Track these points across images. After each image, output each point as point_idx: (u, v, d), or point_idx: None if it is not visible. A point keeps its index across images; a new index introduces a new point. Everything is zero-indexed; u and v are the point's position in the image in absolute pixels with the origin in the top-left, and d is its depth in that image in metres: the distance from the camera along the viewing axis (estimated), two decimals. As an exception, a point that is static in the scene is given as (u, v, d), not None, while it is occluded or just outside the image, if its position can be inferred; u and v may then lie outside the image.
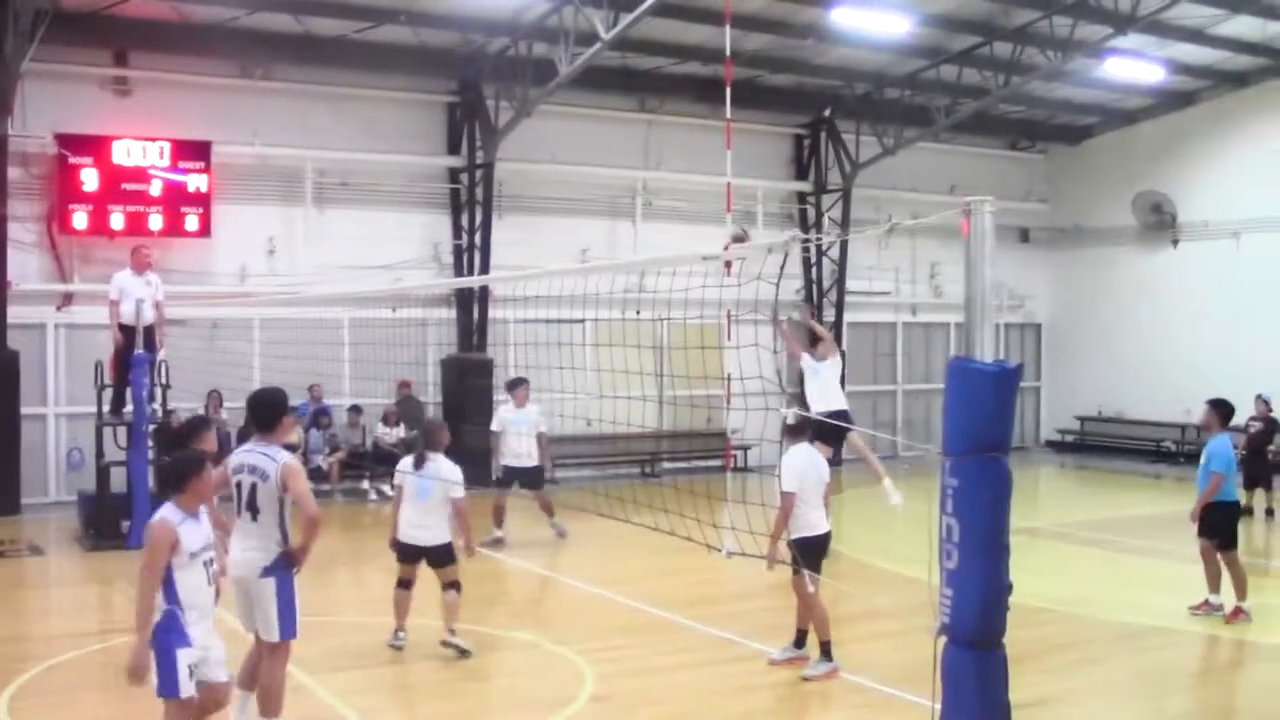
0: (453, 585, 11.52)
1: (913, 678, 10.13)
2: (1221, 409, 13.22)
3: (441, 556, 11.51)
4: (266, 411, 8.90)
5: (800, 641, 11.18)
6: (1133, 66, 25.49)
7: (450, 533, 11.58)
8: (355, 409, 22.60)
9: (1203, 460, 13.11)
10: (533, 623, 12.11)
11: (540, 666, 11.33)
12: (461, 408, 22.37)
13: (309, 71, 22.72)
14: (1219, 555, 13.05)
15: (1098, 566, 16.77)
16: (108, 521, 17.32)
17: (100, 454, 17.88)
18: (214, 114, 22.05)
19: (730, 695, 9.33)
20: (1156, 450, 28.90)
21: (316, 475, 20.69)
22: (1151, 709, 10.47)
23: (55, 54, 19.92)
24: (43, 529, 18.96)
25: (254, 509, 8.54)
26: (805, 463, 10.96)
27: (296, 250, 22.90)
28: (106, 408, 17.94)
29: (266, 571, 8.46)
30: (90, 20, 20.26)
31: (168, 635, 7.35)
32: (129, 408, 17.41)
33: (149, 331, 17.43)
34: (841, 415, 14.22)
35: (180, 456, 8.10)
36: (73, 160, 20.94)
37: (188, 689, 7.43)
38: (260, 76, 22.64)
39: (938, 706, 5.88)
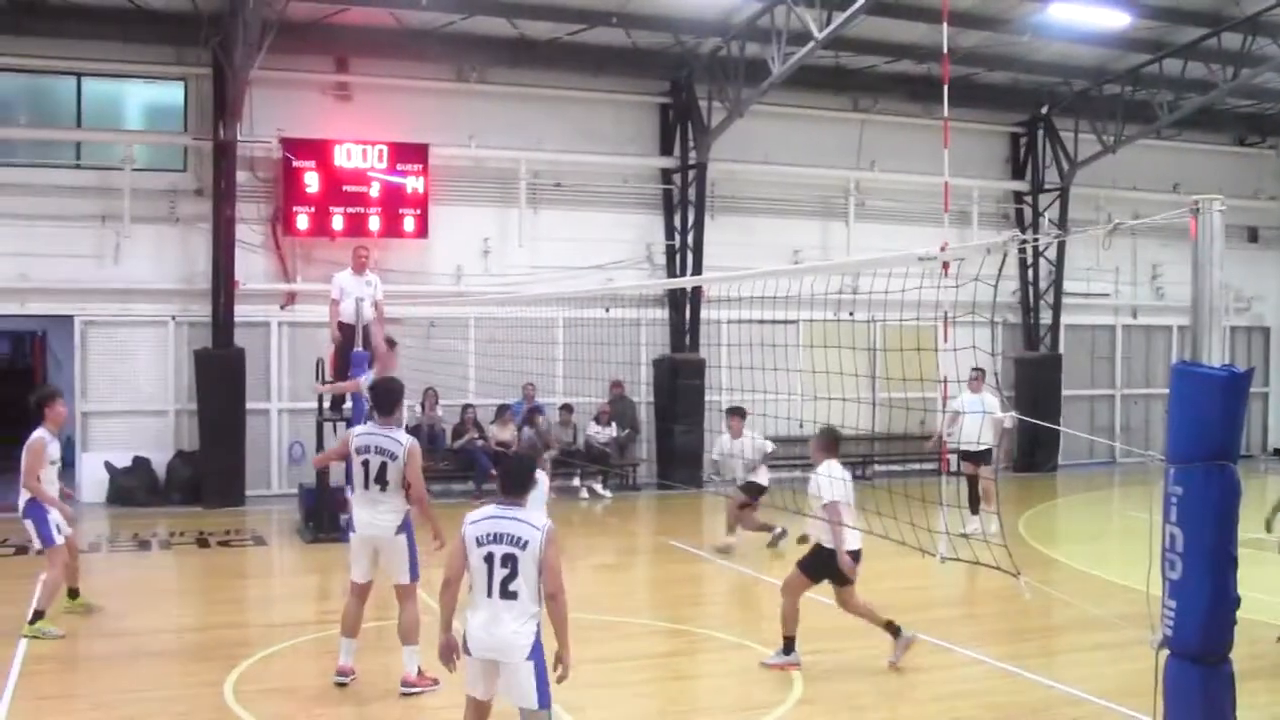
0: None
1: (1130, 691, 9.87)
2: None
3: None
4: (388, 398, 10.33)
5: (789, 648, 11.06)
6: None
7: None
8: (567, 408, 22.84)
9: None
10: (740, 624, 12.05)
11: (748, 668, 11.25)
12: (673, 408, 22.48)
13: (523, 74, 23.04)
14: None
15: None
16: (327, 514, 17.76)
17: (320, 448, 18.38)
18: (431, 117, 22.54)
19: (938, 702, 9.17)
20: (1390, 458, 27.42)
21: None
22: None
23: (280, 62, 20.56)
24: (265, 520, 19.66)
25: (383, 482, 10.08)
26: (843, 475, 10.94)
27: (510, 251, 23.23)
28: (327, 404, 18.44)
29: (399, 530, 10.21)
30: (313, 29, 20.93)
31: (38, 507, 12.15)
32: (348, 404, 17.84)
33: (367, 330, 17.85)
34: None
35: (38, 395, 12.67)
36: (296, 163, 21.65)
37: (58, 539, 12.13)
38: (475, 80, 23.02)
39: (1160, 723, 5.67)
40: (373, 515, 10.17)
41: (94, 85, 21.76)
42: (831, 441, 11.20)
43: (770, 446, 17.07)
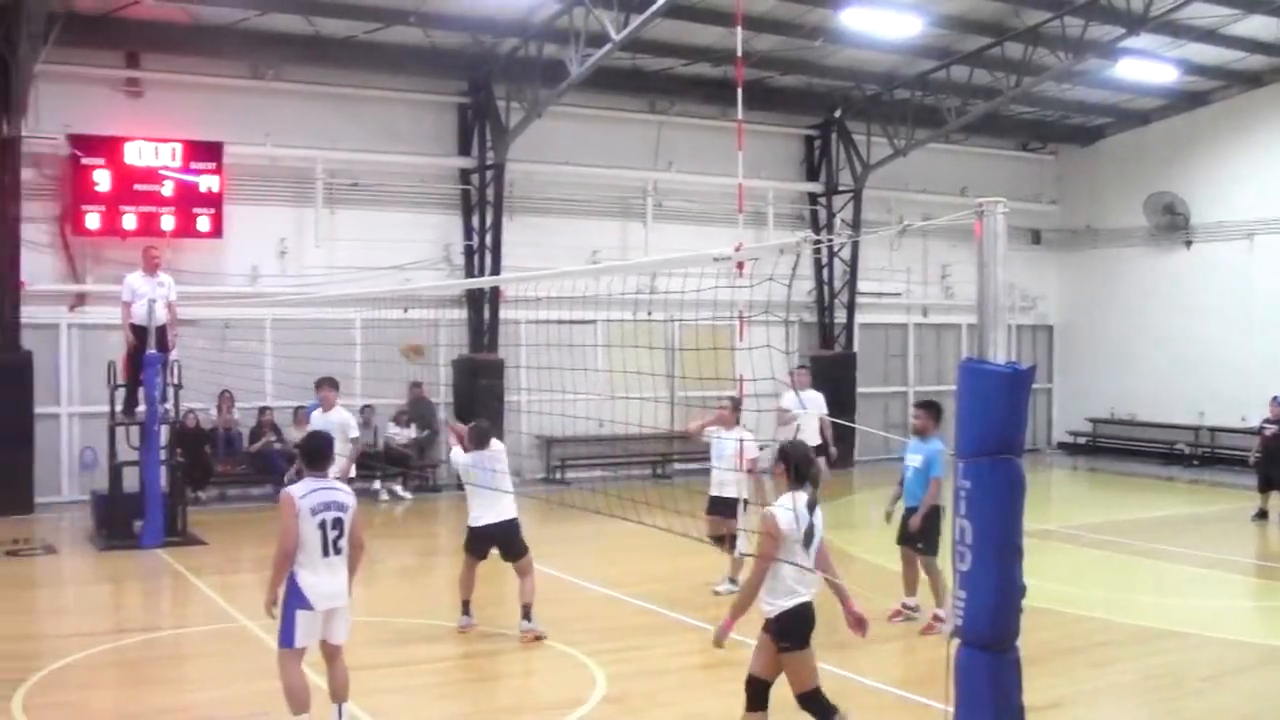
0: None
1: (922, 679, 10.18)
2: (936, 410, 12.83)
3: None
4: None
5: None
6: (1145, 67, 25.40)
7: None
8: (367, 409, 22.63)
9: (918, 465, 12.53)
10: (542, 624, 12.09)
11: (551, 668, 11.32)
12: (473, 408, 22.39)
13: (319, 72, 22.76)
14: (920, 560, 12.69)
15: (1111, 569, 16.66)
16: (120, 521, 17.38)
17: (113, 454, 17.94)
18: (225, 115, 22.11)
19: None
20: (1169, 452, 28.82)
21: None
22: (1165, 712, 10.42)
23: (67, 55, 20.02)
24: (56, 528, 19.03)
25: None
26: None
27: (307, 251, 22.93)
28: (119, 408, 17.99)
29: None
30: (102, 22, 20.33)
31: None
32: (141, 408, 17.45)
33: (161, 332, 17.48)
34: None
35: None
36: (85, 161, 21.03)
37: None
38: (271, 77, 22.65)
39: (952, 710, 5.85)
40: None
41: None
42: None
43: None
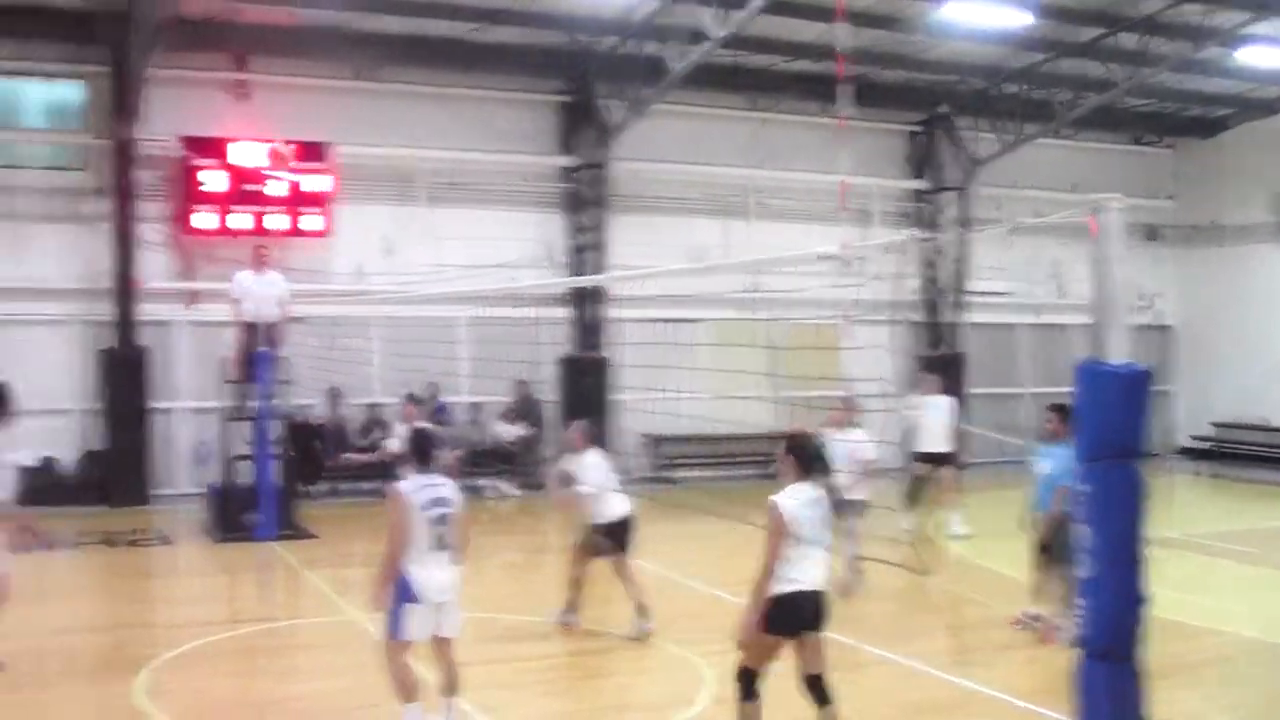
0: None
1: (1044, 690, 9.94)
2: (1069, 414, 11.88)
3: None
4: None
5: None
6: (1271, 54, 24.37)
7: None
8: (473, 407, 22.73)
9: (1050, 471, 11.81)
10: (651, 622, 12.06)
11: (660, 667, 11.29)
12: (577, 406, 22.46)
13: (421, 73, 23.01)
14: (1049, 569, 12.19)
15: (1238, 580, 16.03)
16: (234, 514, 17.66)
17: (227, 448, 18.24)
18: (331, 115, 22.38)
19: (849, 701, 9.21)
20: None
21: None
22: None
23: (177, 60, 20.52)
24: (171, 520, 19.42)
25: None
26: None
27: (411, 249, 23.08)
28: (232, 403, 18.26)
29: None
30: (209, 26, 20.74)
31: None
32: (253, 403, 17.70)
33: (271, 329, 17.74)
34: None
35: None
36: (197, 162, 21.42)
37: None
38: (374, 78, 22.88)
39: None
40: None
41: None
42: None
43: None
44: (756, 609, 7.88)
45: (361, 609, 11.39)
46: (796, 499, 7.94)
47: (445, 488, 8.84)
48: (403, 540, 8.52)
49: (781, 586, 7.85)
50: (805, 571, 7.90)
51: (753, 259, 23.35)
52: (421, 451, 8.96)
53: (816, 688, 8.09)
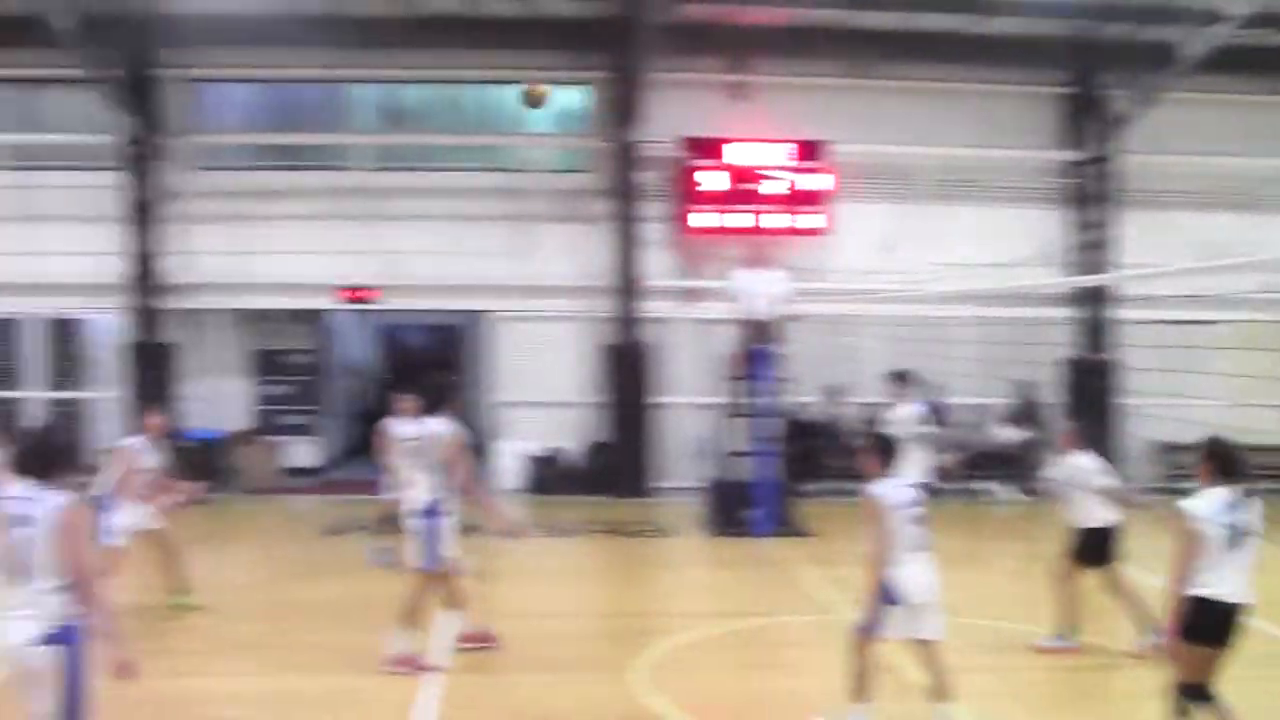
0: None
1: None
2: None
3: None
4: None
5: None
6: None
7: None
8: (974, 409, 22.15)
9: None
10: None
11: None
12: (1081, 410, 21.50)
13: (918, 67, 22.58)
14: None
15: None
16: (732, 509, 17.86)
17: (725, 444, 18.49)
18: (829, 114, 22.30)
19: None
20: None
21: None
22: None
23: (679, 63, 20.98)
24: (670, 512, 19.92)
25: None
26: None
27: (911, 248, 22.68)
28: (731, 400, 18.48)
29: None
30: (710, 29, 21.21)
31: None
32: (752, 400, 17.86)
33: (770, 327, 17.86)
34: None
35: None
36: (697, 163, 21.91)
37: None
38: (871, 75, 22.60)
39: None
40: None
41: (505, 92, 22.63)
42: None
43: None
44: (1177, 617, 7.57)
45: (854, 608, 11.20)
46: (1212, 504, 7.67)
47: (914, 489, 8.91)
48: (883, 543, 8.56)
49: (1199, 591, 7.53)
50: (1223, 579, 7.56)
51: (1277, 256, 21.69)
52: (885, 453, 8.94)
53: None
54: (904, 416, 15.44)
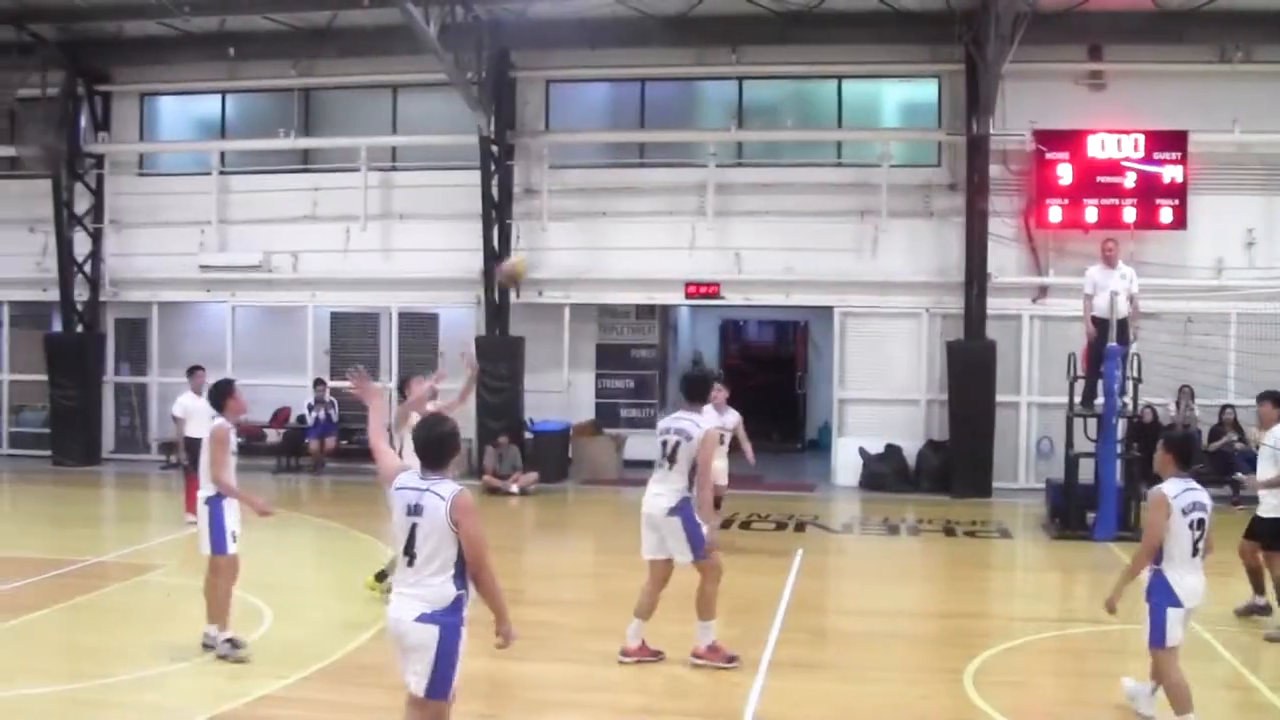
0: None
1: None
2: None
3: None
4: (698, 386, 10.75)
5: None
6: None
7: None
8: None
9: None
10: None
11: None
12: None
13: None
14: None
15: None
16: (1074, 511, 17.53)
17: (1070, 444, 18.12)
18: (1189, 102, 21.41)
19: None
20: None
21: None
22: None
23: (1032, 54, 20.44)
24: (1011, 513, 19.65)
25: (673, 460, 10.25)
26: None
27: (1276, 241, 21.65)
28: (1077, 399, 18.11)
29: (671, 512, 10.21)
30: (1065, 18, 20.60)
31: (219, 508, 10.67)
32: (1100, 400, 17.46)
33: (1122, 325, 17.42)
34: None
35: (215, 388, 11.04)
36: (1048, 155, 21.49)
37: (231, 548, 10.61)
38: (1239, 60, 21.61)
39: None
40: (652, 495, 10.39)
41: (853, 87, 22.85)
42: None
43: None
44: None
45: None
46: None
47: (1204, 493, 8.78)
48: (1155, 542, 8.59)
49: None
50: None
51: None
52: (1184, 455, 8.85)
53: None
54: None
